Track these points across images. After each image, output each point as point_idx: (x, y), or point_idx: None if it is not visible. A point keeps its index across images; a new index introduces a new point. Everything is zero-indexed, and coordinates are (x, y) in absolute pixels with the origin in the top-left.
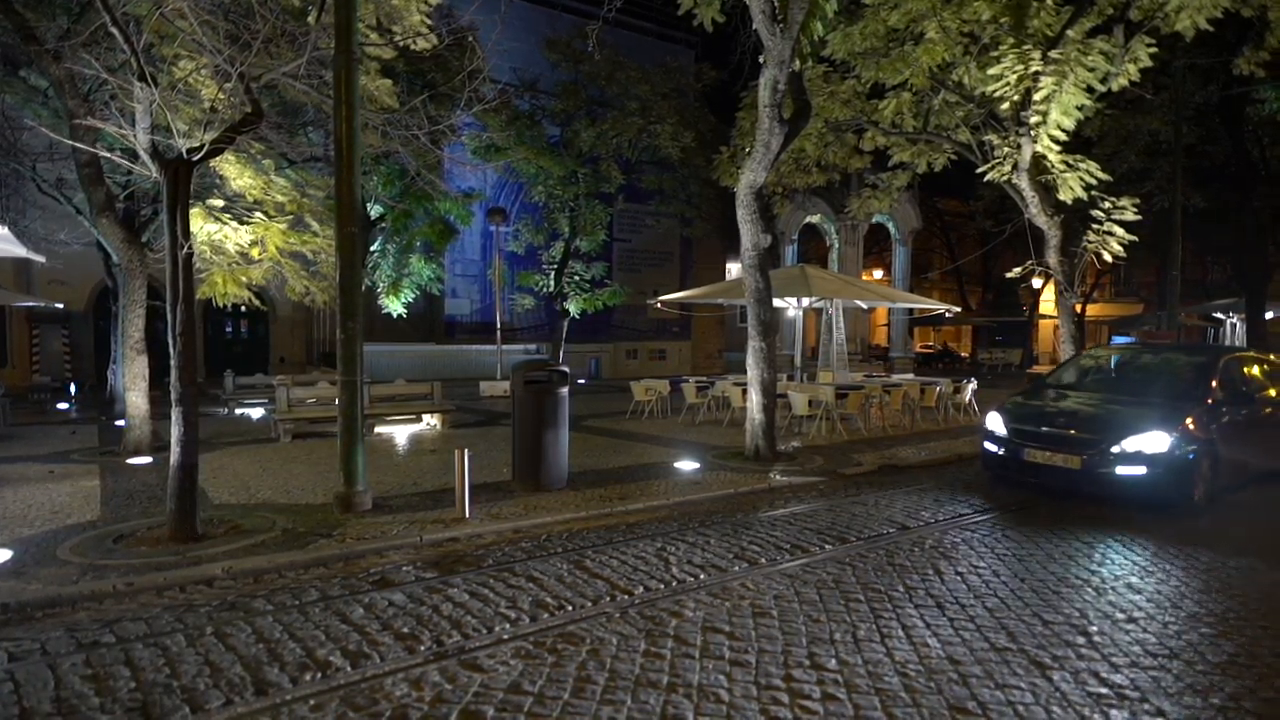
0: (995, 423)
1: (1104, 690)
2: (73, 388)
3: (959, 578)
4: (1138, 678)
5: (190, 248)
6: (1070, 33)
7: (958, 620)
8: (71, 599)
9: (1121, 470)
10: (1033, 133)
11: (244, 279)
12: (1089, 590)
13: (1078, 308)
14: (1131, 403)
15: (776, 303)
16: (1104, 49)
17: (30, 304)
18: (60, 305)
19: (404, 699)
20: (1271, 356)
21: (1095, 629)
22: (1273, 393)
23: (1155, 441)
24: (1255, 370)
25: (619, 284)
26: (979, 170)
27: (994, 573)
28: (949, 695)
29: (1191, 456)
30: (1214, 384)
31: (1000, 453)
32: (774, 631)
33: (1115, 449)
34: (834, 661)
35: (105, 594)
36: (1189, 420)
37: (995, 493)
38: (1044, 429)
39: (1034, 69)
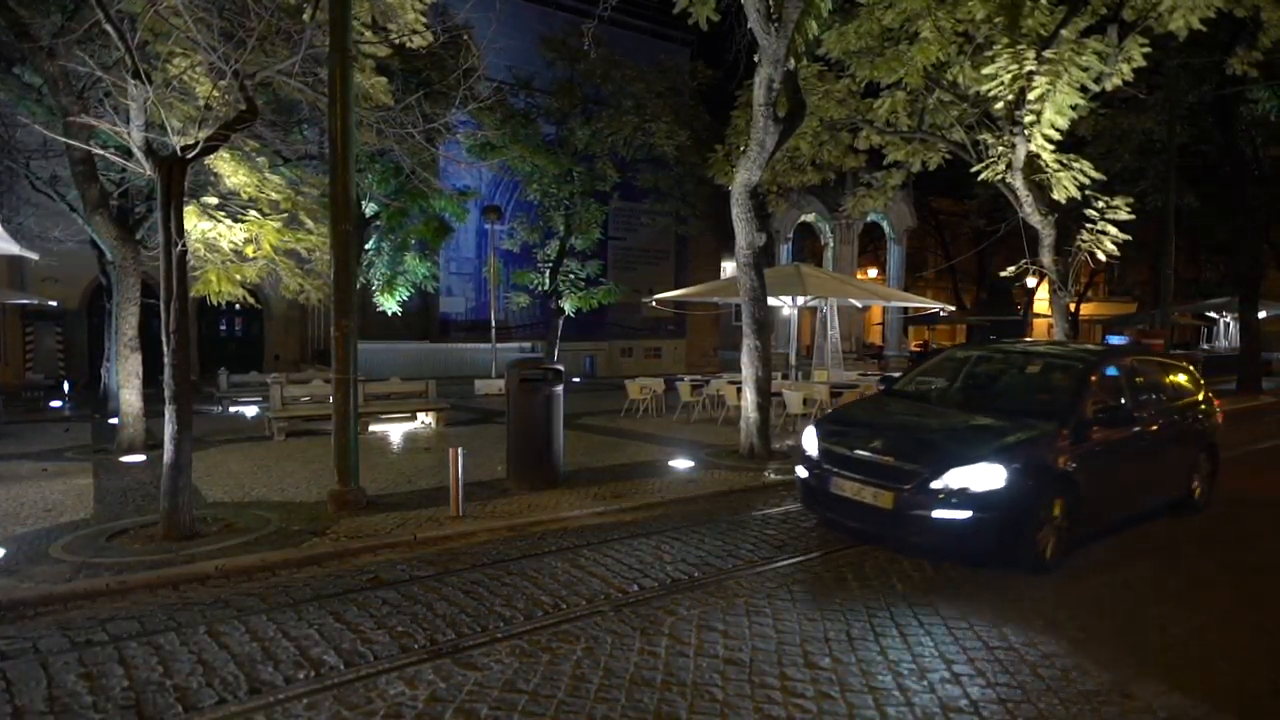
0: (809, 440)
1: None
2: (66, 385)
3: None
4: None
5: (184, 245)
6: (1064, 32)
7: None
8: (64, 597)
9: (940, 514)
10: (1027, 132)
11: (238, 277)
12: None
13: (1071, 307)
14: (973, 421)
15: (771, 301)
16: (1098, 49)
17: (24, 301)
18: (54, 303)
19: (398, 697)
20: (1180, 360)
21: None
22: (1164, 408)
23: (985, 476)
24: (1145, 378)
25: (614, 282)
26: (973, 169)
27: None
28: None
29: (1038, 496)
30: (1085, 398)
31: (808, 480)
32: (768, 631)
33: (936, 484)
34: (827, 660)
35: (98, 592)
36: (1039, 447)
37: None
38: (857, 452)
39: (1028, 68)
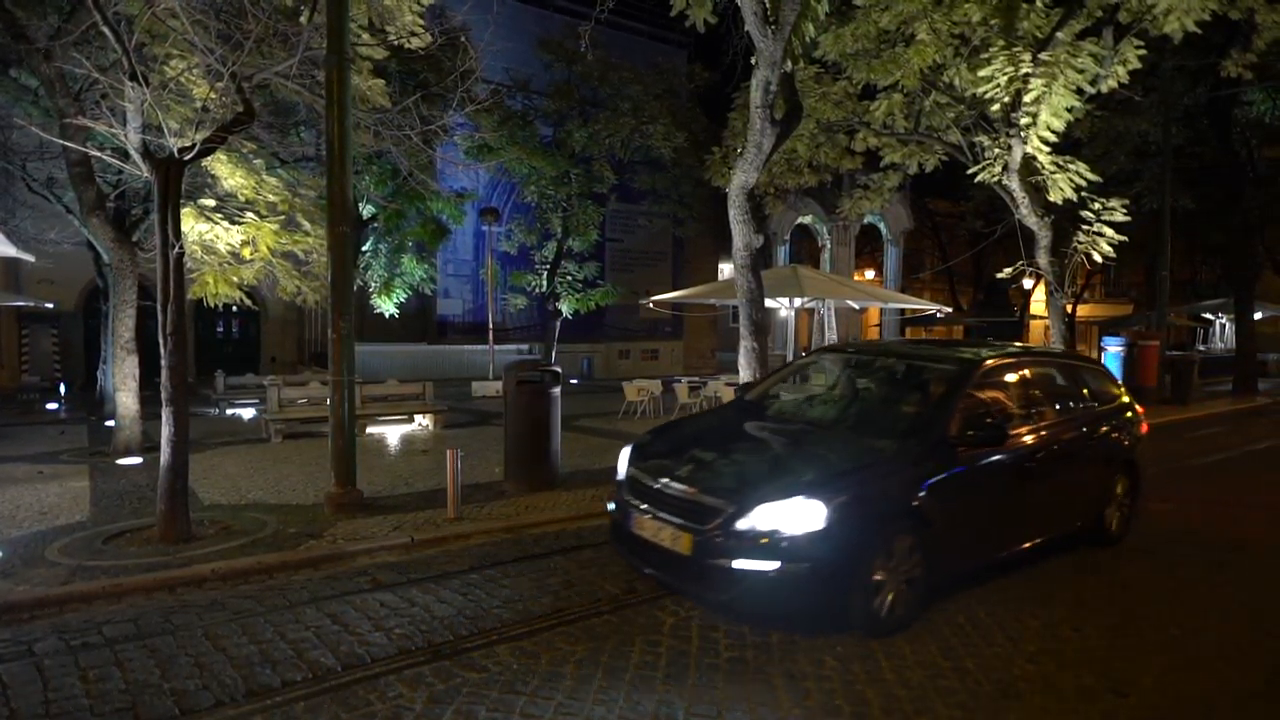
0: (621, 463)
1: None
2: (62, 388)
3: None
4: None
5: (181, 247)
6: (1060, 35)
7: None
8: (60, 600)
9: (743, 565)
10: (1023, 134)
11: (235, 279)
12: None
13: (1068, 308)
14: (810, 441)
15: (769, 303)
16: (1093, 51)
17: (20, 303)
18: (50, 305)
19: (397, 699)
20: (1093, 363)
21: None
22: (1067, 420)
23: (800, 514)
24: (1043, 385)
25: (611, 284)
26: (970, 171)
27: None
28: None
29: (874, 538)
30: (950, 411)
31: (614, 513)
32: (767, 631)
33: (741, 524)
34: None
35: (94, 595)
36: (878, 475)
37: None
38: (661, 480)
39: (1024, 71)
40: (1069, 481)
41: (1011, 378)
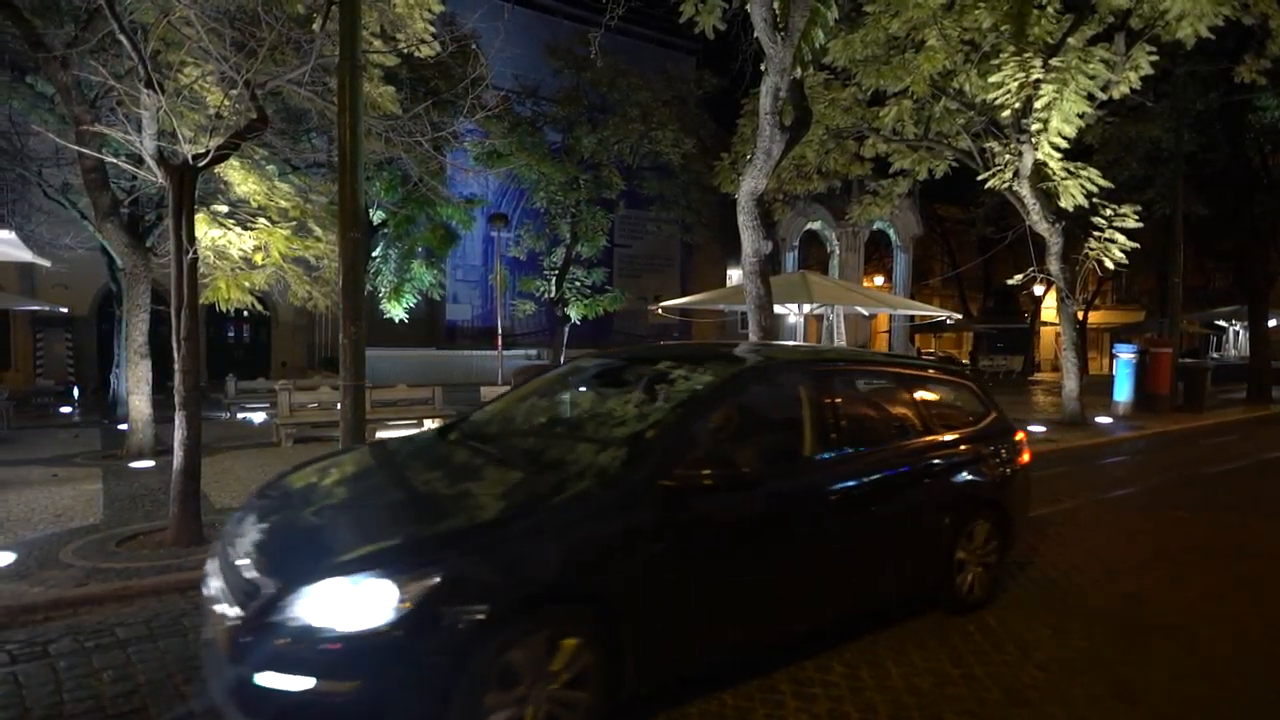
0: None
1: None
2: (76, 391)
3: None
4: None
5: (195, 253)
6: (1071, 40)
7: None
8: (74, 601)
9: (268, 679)
10: (1033, 140)
11: (247, 284)
12: None
13: (1079, 315)
14: (455, 483)
15: (777, 309)
16: (1105, 57)
17: (34, 308)
18: (64, 309)
19: None
20: (953, 373)
21: None
22: (899, 450)
23: (353, 601)
24: (863, 402)
25: (619, 289)
26: (980, 177)
27: None
28: None
29: (477, 649)
30: (675, 443)
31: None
32: None
33: (280, 615)
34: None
35: (108, 596)
36: (510, 538)
37: None
38: (228, 549)
39: (1035, 77)
40: (893, 532)
41: (809, 391)
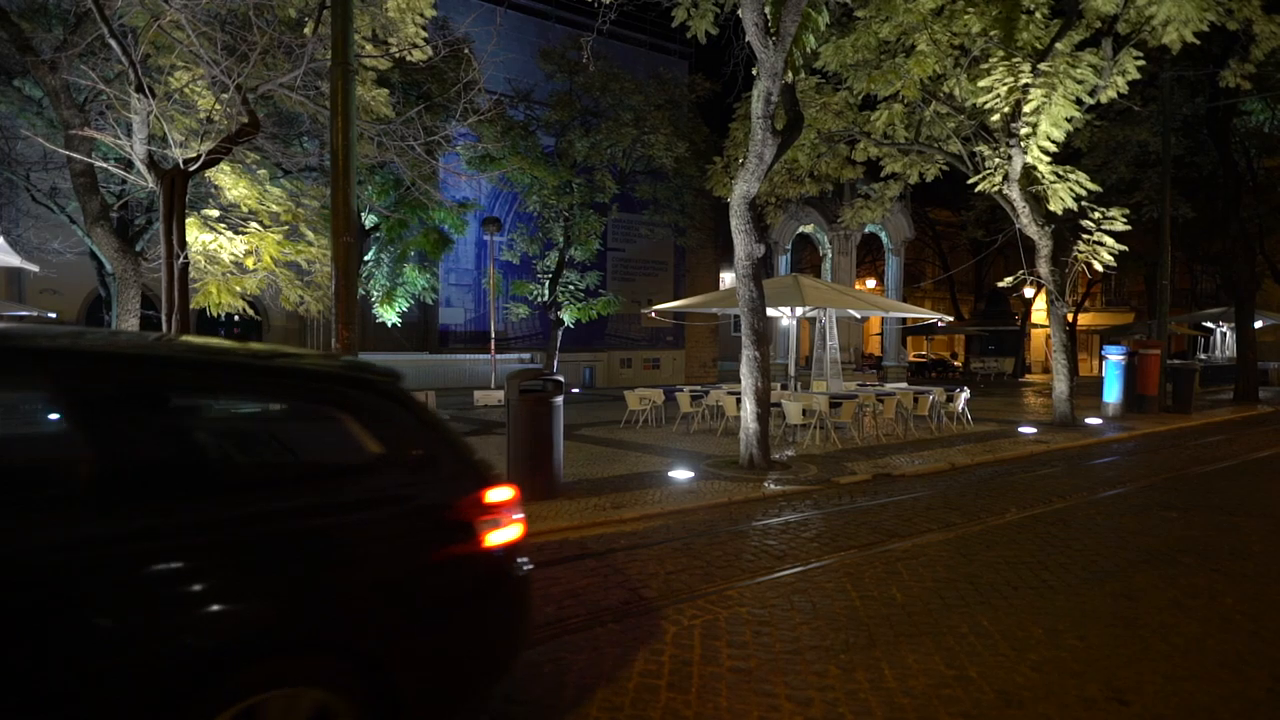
0: None
1: None
2: None
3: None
4: None
5: (186, 257)
6: (1059, 46)
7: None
8: None
9: None
10: (1023, 144)
11: (238, 288)
12: None
13: (1069, 317)
14: None
15: (770, 312)
16: (1092, 62)
17: (23, 313)
18: (53, 314)
19: None
20: (340, 372)
21: None
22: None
23: None
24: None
25: (613, 293)
26: (970, 181)
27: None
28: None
29: None
30: None
31: None
32: (769, 641)
33: None
34: (836, 671)
35: None
36: None
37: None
38: None
39: (1024, 81)
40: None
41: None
